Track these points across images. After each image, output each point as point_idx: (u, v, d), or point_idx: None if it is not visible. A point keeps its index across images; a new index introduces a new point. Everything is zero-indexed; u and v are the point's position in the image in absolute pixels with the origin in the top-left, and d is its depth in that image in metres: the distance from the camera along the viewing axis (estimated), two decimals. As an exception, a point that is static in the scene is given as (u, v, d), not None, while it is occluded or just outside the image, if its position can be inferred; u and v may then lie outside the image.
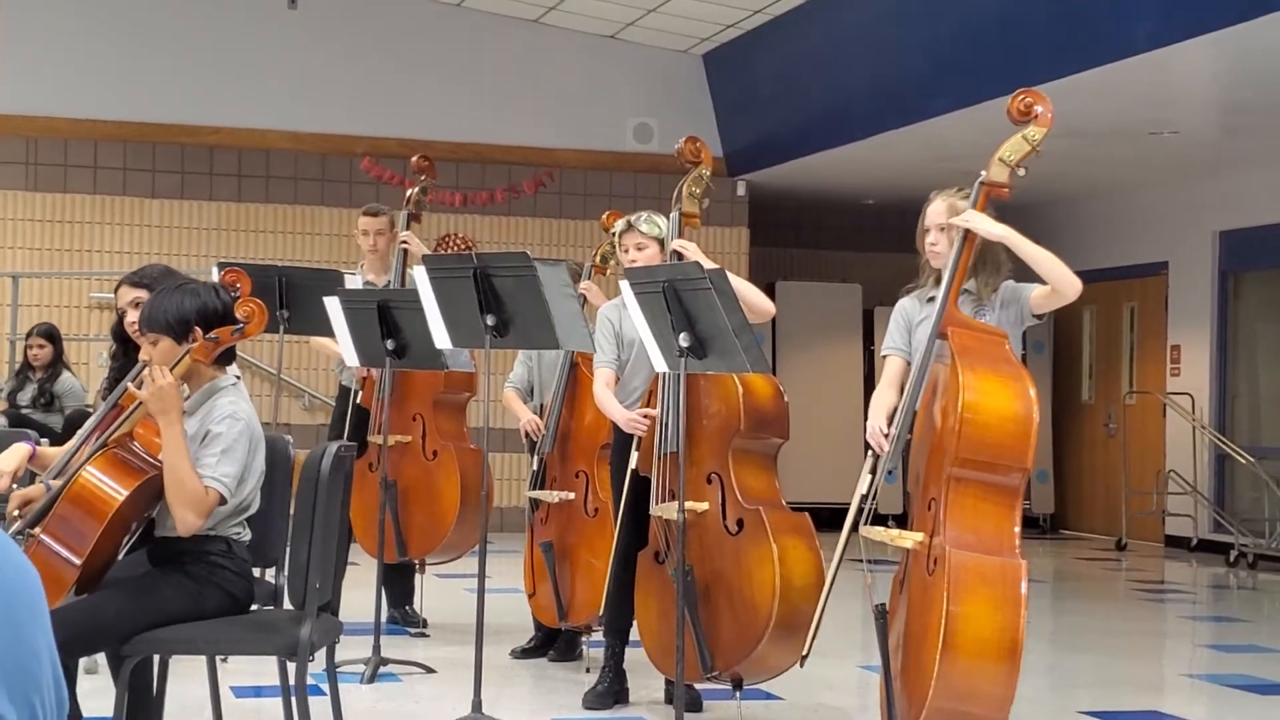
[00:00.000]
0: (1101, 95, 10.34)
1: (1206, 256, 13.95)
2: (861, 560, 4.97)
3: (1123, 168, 13.49)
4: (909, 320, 5.26)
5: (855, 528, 4.99)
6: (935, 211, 5.17)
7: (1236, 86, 10.54)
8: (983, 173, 5.01)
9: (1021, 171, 4.97)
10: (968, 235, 4.97)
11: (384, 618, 7.40)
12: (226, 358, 4.68)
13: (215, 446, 4.48)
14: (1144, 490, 14.35)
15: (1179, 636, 9.77)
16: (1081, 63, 9.71)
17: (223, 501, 4.46)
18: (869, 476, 5.04)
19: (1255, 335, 14.03)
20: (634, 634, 6.41)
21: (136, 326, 4.90)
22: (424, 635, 8.07)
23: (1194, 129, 11.84)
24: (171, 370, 4.46)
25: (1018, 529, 4.64)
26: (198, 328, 4.53)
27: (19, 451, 4.79)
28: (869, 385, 15.08)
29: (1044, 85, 8.98)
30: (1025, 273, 5.08)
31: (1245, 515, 13.39)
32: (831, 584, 5.28)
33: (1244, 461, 13.09)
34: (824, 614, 5.30)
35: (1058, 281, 4.96)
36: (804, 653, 5.49)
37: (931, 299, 5.08)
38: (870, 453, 5.09)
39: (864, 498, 4.99)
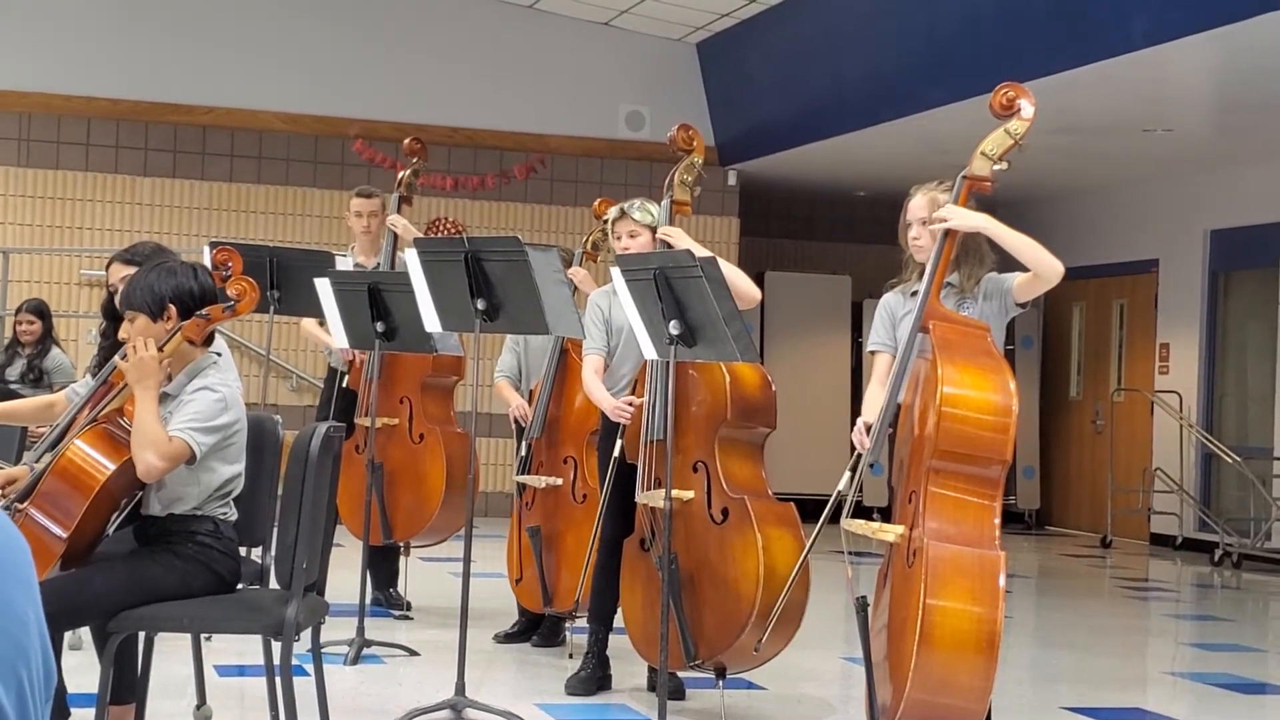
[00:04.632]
0: (1097, 91, 10.35)
1: (1197, 255, 13.96)
2: (844, 553, 4.97)
3: (1115, 164, 13.50)
4: (893, 315, 5.25)
5: (834, 520, 5.00)
6: (916, 206, 5.16)
7: (1232, 85, 10.55)
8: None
9: (1003, 165, 4.96)
10: (949, 229, 4.96)
11: (368, 600, 7.39)
12: (207, 338, 4.68)
13: (186, 409, 4.48)
14: (1130, 488, 14.37)
15: (1162, 634, 9.79)
16: (1078, 58, 9.71)
17: (191, 459, 4.43)
18: (849, 474, 5.04)
19: (1244, 335, 14.04)
20: (618, 621, 6.42)
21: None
22: (408, 618, 8.07)
23: (1188, 127, 11.85)
24: (163, 347, 4.46)
25: (997, 521, 4.64)
26: (172, 305, 4.52)
27: None
28: (857, 377, 15.10)
29: (1039, 80, 9.03)
30: (1009, 265, 5.07)
31: (1231, 515, 13.42)
32: (794, 578, 5.31)
33: (1230, 461, 13.10)
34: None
35: (1039, 266, 4.94)
36: (761, 638, 5.56)
37: (915, 293, 5.07)
38: (855, 450, 5.10)
39: (841, 494, 4.99)
